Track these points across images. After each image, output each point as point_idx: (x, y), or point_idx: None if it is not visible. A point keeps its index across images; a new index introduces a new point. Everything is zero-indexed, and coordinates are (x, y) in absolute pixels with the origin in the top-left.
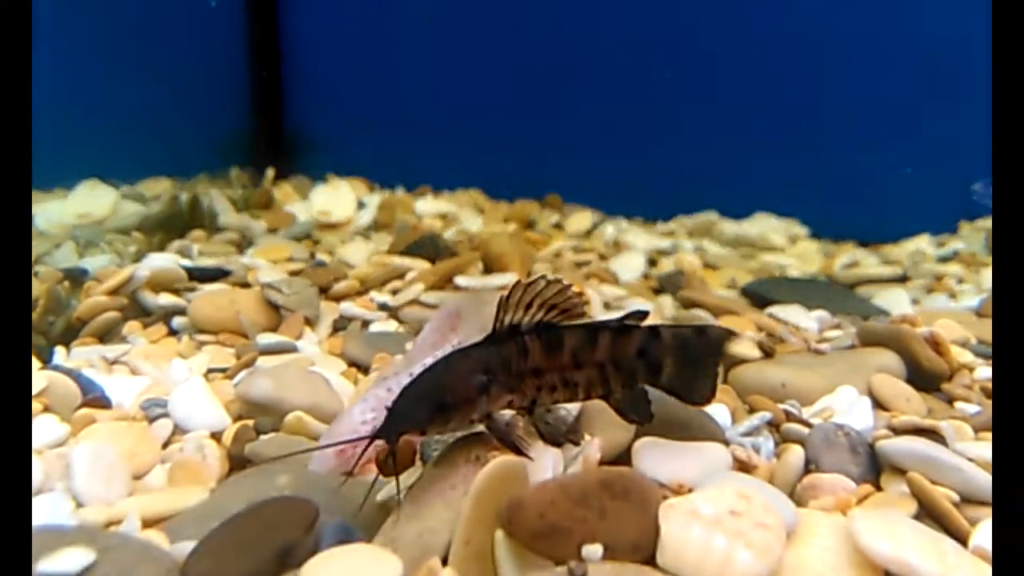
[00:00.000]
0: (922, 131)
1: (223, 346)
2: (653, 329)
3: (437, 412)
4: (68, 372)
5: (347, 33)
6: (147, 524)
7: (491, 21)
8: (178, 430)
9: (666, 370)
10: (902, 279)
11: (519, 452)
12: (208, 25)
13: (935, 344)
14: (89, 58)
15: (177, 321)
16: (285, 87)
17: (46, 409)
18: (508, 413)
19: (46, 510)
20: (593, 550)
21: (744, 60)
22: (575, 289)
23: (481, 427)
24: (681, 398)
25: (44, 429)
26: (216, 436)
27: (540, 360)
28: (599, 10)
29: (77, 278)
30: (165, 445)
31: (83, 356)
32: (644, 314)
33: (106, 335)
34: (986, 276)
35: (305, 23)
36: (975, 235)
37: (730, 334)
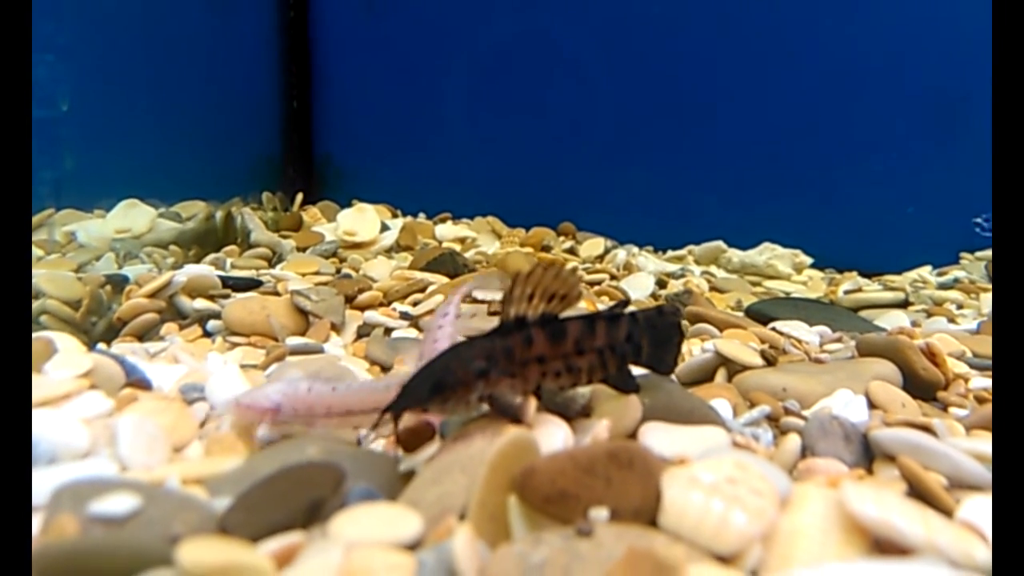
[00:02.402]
0: (925, 167)
1: (254, 347)
2: (632, 315)
3: (436, 392)
4: (113, 356)
5: (374, 67)
6: (186, 485)
7: (512, 60)
8: (214, 412)
9: (644, 349)
10: (903, 304)
11: (517, 420)
12: (243, 58)
13: (931, 355)
14: (131, 89)
15: (211, 324)
16: (315, 117)
17: (92, 386)
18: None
19: (93, 472)
20: (599, 513)
21: (753, 99)
22: (568, 269)
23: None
24: (654, 370)
25: (91, 403)
26: None
27: (544, 349)
28: (614, 51)
29: (118, 284)
30: (202, 425)
31: (125, 350)
32: (626, 303)
33: (145, 335)
34: (985, 301)
35: (335, 58)
36: (975, 265)
37: (678, 310)
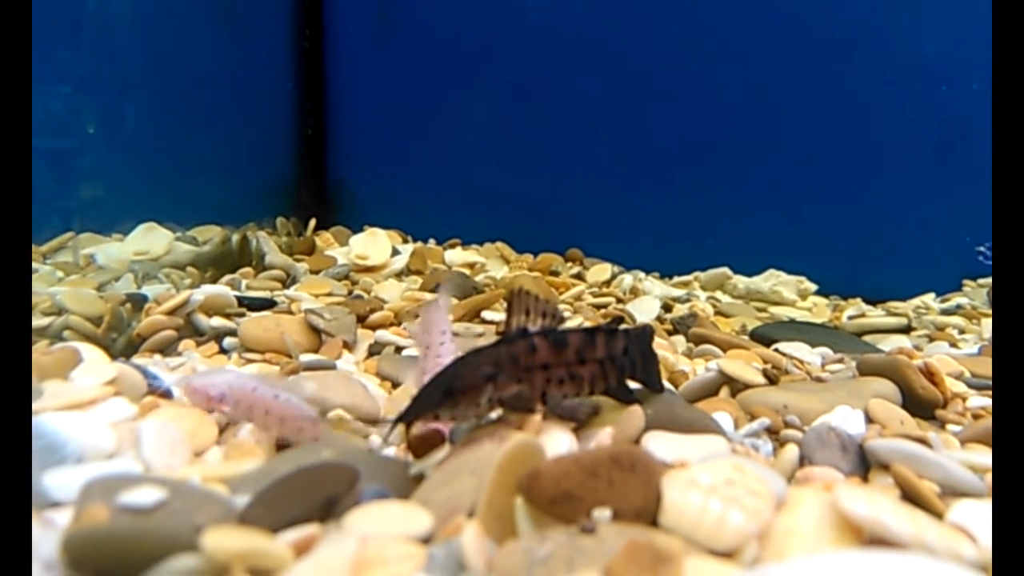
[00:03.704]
0: (928, 195)
1: (269, 363)
2: (626, 331)
3: (446, 397)
4: (135, 366)
5: (388, 96)
6: (207, 484)
7: (522, 90)
8: (232, 422)
9: (638, 364)
10: (906, 329)
11: (527, 410)
12: (259, 85)
13: (929, 374)
14: (148, 117)
15: (227, 341)
16: (329, 144)
17: (117, 393)
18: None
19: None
20: (602, 513)
21: (759, 128)
22: (545, 298)
23: (494, 415)
24: (647, 386)
25: (116, 408)
26: None
27: (548, 356)
28: (620, 81)
29: (138, 302)
30: (221, 431)
31: (146, 363)
32: (621, 319)
33: (164, 351)
34: (987, 326)
35: (349, 85)
36: (977, 291)
37: (649, 331)
